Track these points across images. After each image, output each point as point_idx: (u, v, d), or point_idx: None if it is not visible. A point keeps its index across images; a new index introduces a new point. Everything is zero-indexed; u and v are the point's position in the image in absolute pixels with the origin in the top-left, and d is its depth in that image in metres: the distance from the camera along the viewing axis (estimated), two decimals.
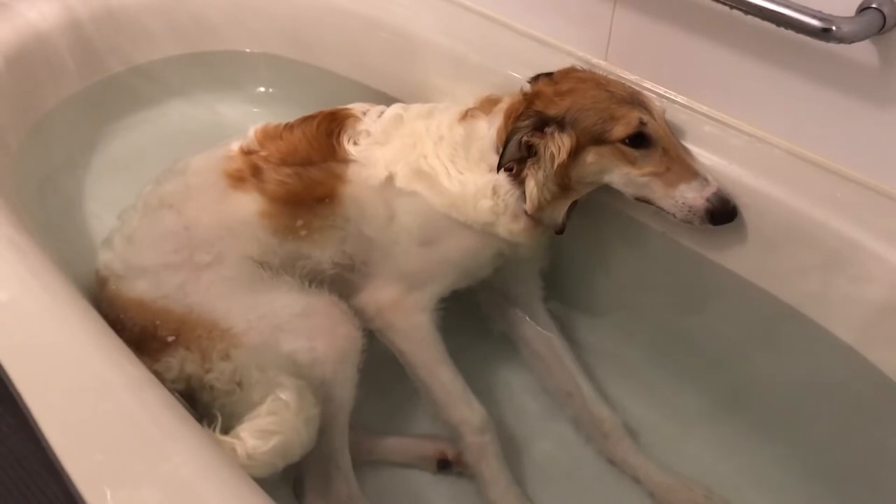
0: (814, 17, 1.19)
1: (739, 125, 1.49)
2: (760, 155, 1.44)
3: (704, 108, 1.52)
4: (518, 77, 1.58)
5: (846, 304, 1.34)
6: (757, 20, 1.27)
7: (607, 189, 1.44)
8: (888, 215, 1.32)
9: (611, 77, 1.48)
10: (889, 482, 1.36)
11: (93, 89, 1.96)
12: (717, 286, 1.50)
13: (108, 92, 1.99)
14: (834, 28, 1.17)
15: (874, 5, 1.19)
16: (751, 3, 1.25)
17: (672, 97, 1.56)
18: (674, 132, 1.44)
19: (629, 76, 1.60)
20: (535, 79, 1.52)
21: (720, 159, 1.43)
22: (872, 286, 1.29)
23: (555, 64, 1.54)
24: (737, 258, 1.44)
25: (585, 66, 1.54)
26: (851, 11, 1.21)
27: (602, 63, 1.64)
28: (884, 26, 1.18)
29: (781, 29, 1.25)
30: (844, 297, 1.33)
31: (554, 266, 1.68)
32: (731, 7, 1.29)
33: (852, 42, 1.20)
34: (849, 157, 1.38)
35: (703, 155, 1.44)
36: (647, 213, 1.48)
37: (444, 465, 1.52)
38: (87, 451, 0.98)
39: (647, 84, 1.58)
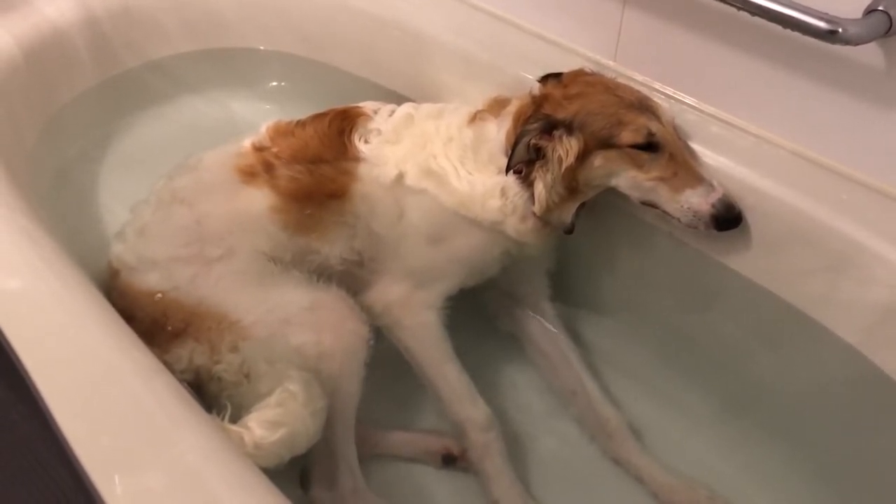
0: (820, 18, 1.20)
1: (746, 126, 1.50)
2: (767, 156, 1.45)
3: (712, 110, 1.53)
4: (527, 77, 1.59)
5: (851, 306, 1.34)
6: (764, 22, 1.28)
7: (614, 190, 1.45)
8: (894, 218, 1.32)
9: (619, 80, 1.48)
10: (893, 483, 1.36)
11: (107, 84, 1.98)
12: (723, 287, 1.50)
13: (123, 87, 2.01)
14: (840, 30, 1.18)
15: (881, 7, 1.19)
16: (758, 5, 1.26)
17: (680, 98, 1.57)
18: (681, 134, 1.45)
19: (638, 77, 1.61)
20: (544, 79, 1.53)
21: (727, 160, 1.44)
22: (877, 288, 1.30)
23: (564, 64, 1.55)
24: (742, 259, 1.44)
25: (594, 67, 1.55)
26: (858, 13, 1.22)
27: (611, 64, 1.65)
28: (890, 28, 1.19)
29: (788, 31, 1.25)
30: (849, 300, 1.34)
31: (560, 265, 1.69)
32: (739, 8, 1.30)
33: (858, 44, 1.20)
34: (855, 159, 1.38)
35: (709, 156, 1.45)
36: (653, 214, 1.48)
37: (449, 461, 1.52)
38: (95, 436, 0.99)
39: (656, 85, 1.59)
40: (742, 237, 1.41)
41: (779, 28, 1.27)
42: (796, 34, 1.25)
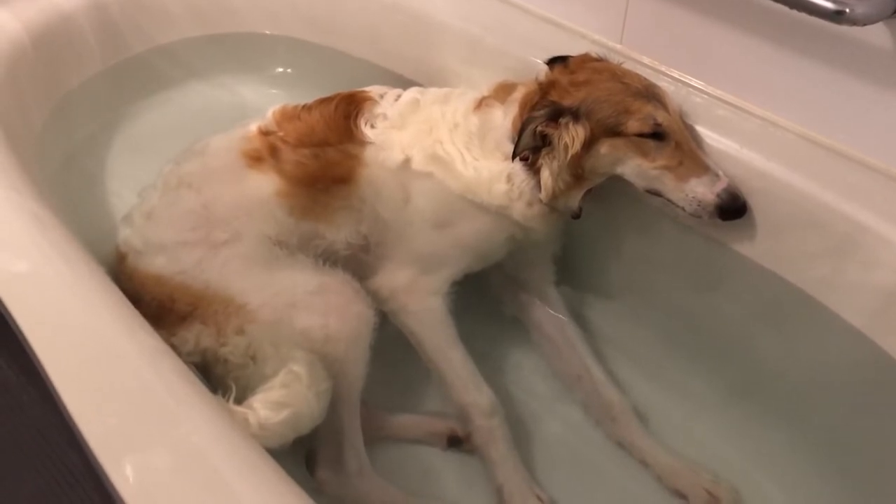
0: None
1: (753, 109, 1.49)
2: (773, 139, 1.44)
3: (718, 92, 1.52)
4: (533, 61, 1.59)
5: (856, 288, 1.33)
6: (771, 3, 1.27)
7: (621, 176, 1.45)
8: None
9: (626, 65, 1.48)
10: None
11: (115, 69, 1.99)
12: (728, 270, 1.50)
13: (130, 72, 2.02)
14: (847, 10, 1.17)
15: None
16: None
17: (686, 81, 1.56)
18: (687, 119, 1.45)
19: (644, 60, 1.61)
20: (551, 62, 1.53)
21: (733, 143, 1.43)
22: (883, 271, 1.29)
23: (570, 48, 1.54)
24: (748, 242, 1.44)
25: (601, 50, 1.54)
26: None
27: (617, 46, 1.65)
28: None
29: (795, 12, 1.25)
30: (855, 282, 1.33)
31: (566, 250, 1.68)
32: None
33: (865, 25, 1.20)
34: (861, 142, 1.37)
35: (716, 139, 1.44)
36: (659, 200, 1.48)
37: (454, 443, 1.53)
38: (103, 417, 1.00)
39: (662, 68, 1.59)
40: (748, 220, 1.41)
41: (786, 9, 1.26)
42: (803, 15, 1.24)
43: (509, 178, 1.47)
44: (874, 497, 1.39)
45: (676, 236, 1.54)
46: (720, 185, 1.36)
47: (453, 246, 1.52)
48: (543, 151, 1.43)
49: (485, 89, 1.56)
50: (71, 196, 1.74)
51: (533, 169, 1.46)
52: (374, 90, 1.60)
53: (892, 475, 1.37)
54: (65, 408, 1.01)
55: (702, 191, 1.36)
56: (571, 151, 1.39)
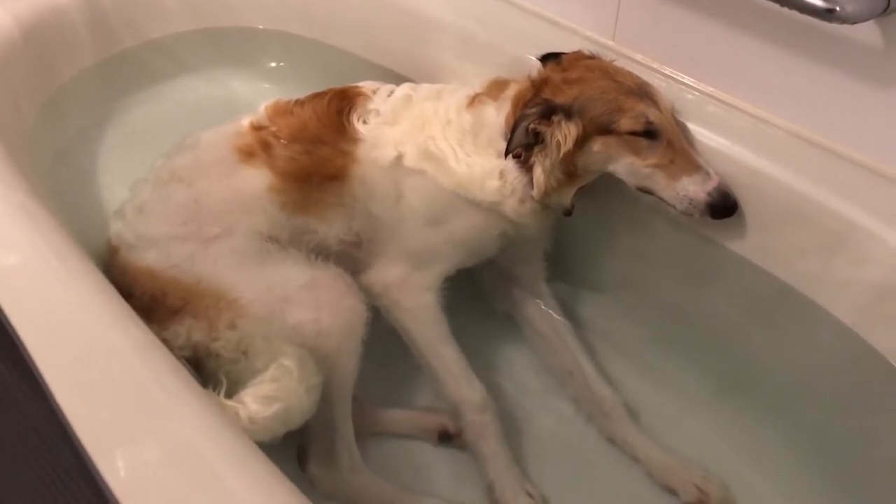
0: None
1: (744, 106, 1.49)
2: (764, 136, 1.44)
3: (710, 89, 1.53)
4: (526, 57, 1.59)
5: (846, 285, 1.34)
6: (762, 0, 1.27)
7: (612, 173, 1.45)
8: (889, 197, 1.32)
9: (618, 62, 1.48)
10: (888, 463, 1.36)
11: (107, 63, 1.98)
12: (720, 266, 1.50)
13: (122, 66, 2.01)
14: (838, 8, 1.17)
15: None
16: None
17: (678, 78, 1.56)
18: (679, 115, 1.45)
19: (637, 56, 1.61)
20: (544, 59, 1.53)
21: (724, 140, 1.43)
22: (872, 268, 1.30)
23: (563, 44, 1.55)
24: (739, 239, 1.44)
25: (593, 47, 1.54)
26: None
27: (610, 43, 1.65)
28: (888, 6, 1.18)
29: (786, 9, 1.25)
30: (844, 279, 1.34)
31: (558, 245, 1.69)
32: None
33: (856, 22, 1.20)
34: (851, 139, 1.37)
35: (707, 136, 1.44)
36: (650, 196, 1.48)
37: (446, 438, 1.53)
38: (93, 411, 1.00)
39: (654, 65, 1.59)
40: (738, 217, 1.41)
41: (777, 7, 1.26)
42: (794, 13, 1.24)
43: (502, 175, 1.47)
44: (863, 492, 1.40)
45: (668, 233, 1.54)
46: (711, 184, 1.36)
47: (446, 242, 1.52)
48: (536, 149, 1.43)
49: (477, 86, 1.56)
50: (63, 190, 1.73)
51: (525, 166, 1.46)
52: (366, 86, 1.59)
53: (880, 470, 1.37)
54: (56, 402, 1.01)
55: (693, 189, 1.36)
56: (564, 149, 1.39)
